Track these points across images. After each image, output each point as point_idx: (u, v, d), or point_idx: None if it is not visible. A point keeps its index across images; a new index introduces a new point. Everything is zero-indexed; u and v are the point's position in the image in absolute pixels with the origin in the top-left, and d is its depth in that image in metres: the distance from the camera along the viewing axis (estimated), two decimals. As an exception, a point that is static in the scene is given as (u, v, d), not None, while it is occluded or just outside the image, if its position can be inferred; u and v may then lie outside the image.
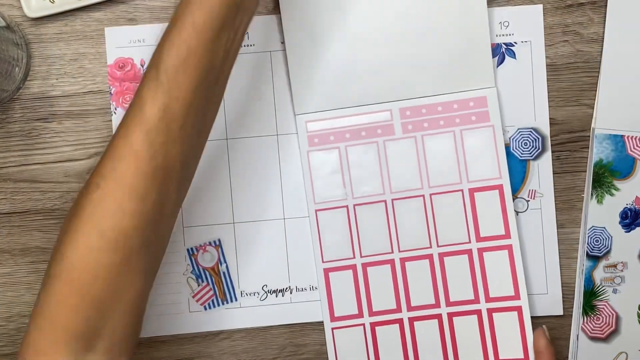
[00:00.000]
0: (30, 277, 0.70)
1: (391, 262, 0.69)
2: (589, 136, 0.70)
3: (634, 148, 0.69)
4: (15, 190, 0.69)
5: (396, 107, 0.69)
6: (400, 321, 0.69)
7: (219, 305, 0.70)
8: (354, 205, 0.69)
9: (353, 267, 0.69)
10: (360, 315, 0.70)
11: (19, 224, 0.70)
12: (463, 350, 0.69)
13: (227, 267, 0.70)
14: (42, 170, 0.69)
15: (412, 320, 0.69)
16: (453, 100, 0.69)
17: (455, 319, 0.69)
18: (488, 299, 0.69)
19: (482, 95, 0.69)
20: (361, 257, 0.70)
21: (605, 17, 0.70)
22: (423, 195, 0.69)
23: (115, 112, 0.69)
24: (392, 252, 0.69)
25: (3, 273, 0.70)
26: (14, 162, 0.69)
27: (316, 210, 0.69)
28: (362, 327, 0.70)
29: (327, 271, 0.69)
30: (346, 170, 0.69)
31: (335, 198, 0.70)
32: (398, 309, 0.69)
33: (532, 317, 0.69)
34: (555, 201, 0.70)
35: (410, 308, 0.70)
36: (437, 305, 0.69)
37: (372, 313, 0.70)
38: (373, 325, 0.70)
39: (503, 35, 0.70)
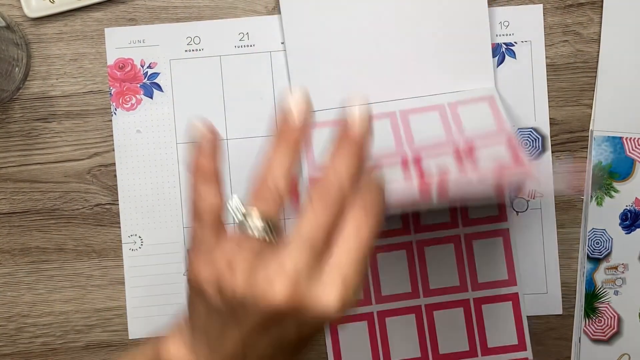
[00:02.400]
0: (30, 277, 0.70)
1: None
2: (589, 137, 0.70)
3: (633, 149, 0.69)
4: (15, 190, 0.70)
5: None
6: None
7: (218, 305, 0.70)
8: None
9: None
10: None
11: (19, 224, 0.70)
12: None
13: (227, 267, 0.70)
14: (42, 170, 0.69)
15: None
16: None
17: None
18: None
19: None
20: None
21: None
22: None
23: (115, 113, 0.69)
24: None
25: (3, 273, 0.70)
26: (14, 162, 0.69)
27: None
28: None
29: None
30: None
31: None
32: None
33: (531, 317, 0.70)
34: (555, 201, 0.70)
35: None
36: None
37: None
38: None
39: (503, 35, 0.70)
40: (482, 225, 0.69)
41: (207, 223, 0.43)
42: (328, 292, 0.39)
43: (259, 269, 0.39)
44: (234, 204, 0.43)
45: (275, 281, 0.39)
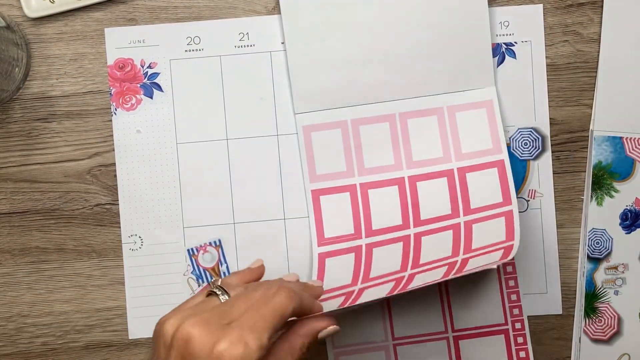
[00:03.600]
0: (30, 277, 0.70)
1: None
2: (589, 137, 0.70)
3: (633, 149, 0.69)
4: (15, 190, 0.70)
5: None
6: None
7: (218, 305, 0.70)
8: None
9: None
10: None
11: (19, 224, 0.70)
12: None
13: (227, 267, 0.70)
14: (42, 170, 0.69)
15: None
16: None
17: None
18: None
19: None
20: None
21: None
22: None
23: (115, 113, 0.69)
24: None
25: (3, 273, 0.70)
26: (14, 162, 0.69)
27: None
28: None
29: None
30: None
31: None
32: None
33: (531, 317, 0.70)
34: (555, 201, 0.70)
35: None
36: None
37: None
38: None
39: (503, 35, 0.70)
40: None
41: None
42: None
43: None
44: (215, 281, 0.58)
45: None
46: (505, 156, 0.69)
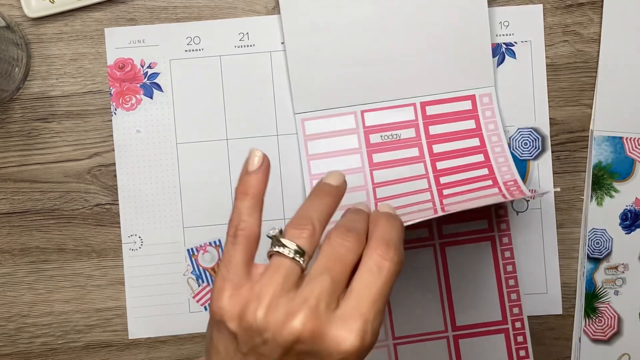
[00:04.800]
0: (30, 277, 0.70)
1: None
2: (589, 137, 0.70)
3: (633, 149, 0.69)
4: (15, 190, 0.70)
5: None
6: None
7: (218, 305, 0.70)
8: None
9: None
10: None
11: (19, 224, 0.70)
12: None
13: (227, 267, 0.70)
14: (41, 170, 0.69)
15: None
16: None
17: None
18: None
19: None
20: None
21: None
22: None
23: (115, 113, 0.69)
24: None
25: (3, 273, 0.70)
26: (14, 162, 0.69)
27: None
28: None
29: None
30: None
31: None
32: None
33: (531, 317, 0.70)
34: (555, 201, 0.70)
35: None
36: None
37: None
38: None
39: (503, 35, 0.70)
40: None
41: (241, 247, 0.44)
42: (347, 326, 0.41)
43: (281, 303, 0.41)
44: (272, 230, 0.44)
45: (297, 314, 0.40)
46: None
